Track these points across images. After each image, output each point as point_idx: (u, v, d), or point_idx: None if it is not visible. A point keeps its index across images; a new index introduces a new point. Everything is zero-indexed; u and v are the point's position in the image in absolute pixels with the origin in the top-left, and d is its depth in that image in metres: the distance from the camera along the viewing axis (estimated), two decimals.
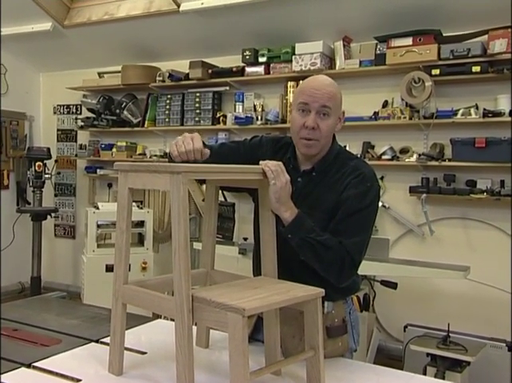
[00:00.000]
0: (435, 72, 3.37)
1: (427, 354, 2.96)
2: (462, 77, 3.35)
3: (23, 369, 1.46)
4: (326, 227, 1.51)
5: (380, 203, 1.68)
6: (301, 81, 3.87)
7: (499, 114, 3.26)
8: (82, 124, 4.95)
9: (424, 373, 2.84)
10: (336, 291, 1.56)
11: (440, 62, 3.37)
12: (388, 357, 3.54)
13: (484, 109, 3.32)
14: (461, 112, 3.39)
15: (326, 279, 1.50)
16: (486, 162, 3.26)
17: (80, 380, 1.39)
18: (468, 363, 2.85)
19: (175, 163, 1.36)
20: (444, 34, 3.39)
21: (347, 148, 1.77)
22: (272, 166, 1.43)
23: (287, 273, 1.50)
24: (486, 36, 3.26)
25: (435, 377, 2.75)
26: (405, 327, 3.36)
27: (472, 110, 3.37)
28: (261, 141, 1.72)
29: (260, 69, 4.00)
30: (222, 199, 3.89)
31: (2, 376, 1.39)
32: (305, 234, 1.45)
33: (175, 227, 1.25)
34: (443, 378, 2.74)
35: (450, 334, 2.96)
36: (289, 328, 1.57)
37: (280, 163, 1.46)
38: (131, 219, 1.43)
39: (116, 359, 1.43)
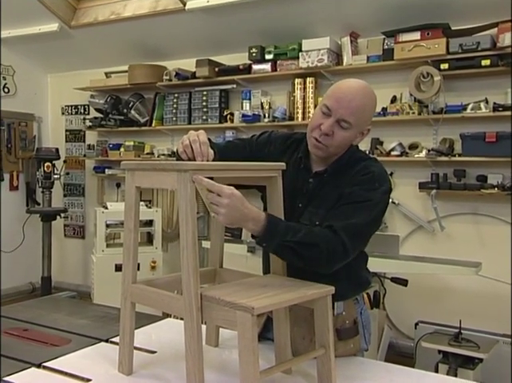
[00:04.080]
0: (444, 66, 3.33)
1: (439, 351, 2.93)
2: (471, 71, 3.31)
3: (33, 369, 1.46)
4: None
5: (390, 200, 1.62)
6: (308, 78, 3.90)
7: (510, 108, 3.21)
8: (90, 124, 4.96)
9: (436, 371, 2.82)
10: (347, 288, 1.53)
11: (449, 56, 3.33)
12: (399, 355, 3.52)
13: (494, 103, 3.28)
14: (470, 106, 3.36)
15: (337, 277, 1.45)
16: (496, 157, 3.22)
17: (90, 380, 1.39)
18: (481, 360, 2.83)
19: (183, 162, 1.35)
20: (453, 28, 3.35)
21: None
22: (211, 199, 1.28)
23: (296, 271, 1.48)
24: (495, 29, 3.22)
25: (447, 374, 2.73)
26: (416, 324, 3.34)
27: (482, 104, 3.33)
28: (269, 138, 1.68)
29: (267, 67, 3.98)
30: None
31: (13, 376, 1.39)
32: (280, 239, 1.32)
33: (182, 226, 1.24)
34: (456, 375, 2.72)
35: (461, 331, 2.94)
36: (299, 329, 1.55)
37: (212, 183, 1.28)
38: (138, 218, 1.42)
39: (126, 358, 1.42)
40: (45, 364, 1.48)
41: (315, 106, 3.86)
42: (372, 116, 1.53)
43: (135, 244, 1.41)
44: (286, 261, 1.42)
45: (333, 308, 1.48)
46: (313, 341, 1.44)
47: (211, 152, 1.39)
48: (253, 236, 1.34)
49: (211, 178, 1.65)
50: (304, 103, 3.91)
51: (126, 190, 1.42)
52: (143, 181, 1.38)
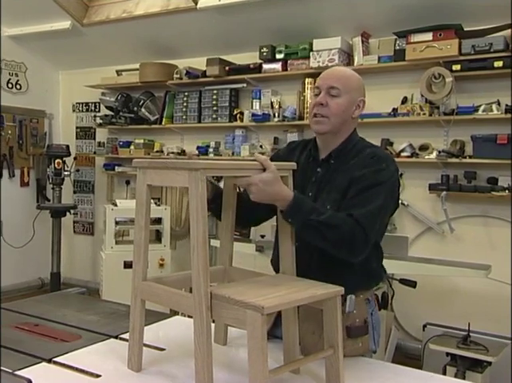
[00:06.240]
0: (456, 67, 3.31)
1: (447, 354, 2.91)
2: (483, 73, 3.28)
3: (44, 363, 1.48)
4: (340, 208, 1.52)
5: (399, 201, 1.66)
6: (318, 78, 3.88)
7: None
8: (100, 121, 4.99)
9: (444, 373, 2.80)
10: (358, 279, 1.57)
11: (461, 57, 3.31)
12: (407, 357, 3.50)
13: (506, 105, 3.26)
14: (482, 108, 3.33)
15: (348, 267, 1.50)
16: (507, 159, 3.19)
17: (99, 375, 1.40)
18: (489, 363, 2.80)
19: (194, 160, 1.36)
20: (465, 29, 3.33)
21: None
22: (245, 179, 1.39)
23: (305, 269, 1.49)
24: (508, 30, 3.20)
25: (455, 376, 2.71)
26: (424, 326, 3.32)
27: (494, 106, 3.31)
28: (277, 153, 1.82)
29: (277, 66, 3.98)
30: None
31: (24, 370, 1.40)
32: (304, 216, 1.41)
33: (193, 224, 1.25)
34: (464, 378, 2.70)
35: (470, 334, 2.92)
36: (309, 324, 1.56)
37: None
38: (149, 216, 1.43)
39: (135, 355, 1.43)
40: (55, 359, 1.49)
41: None
42: (360, 88, 1.63)
43: (145, 242, 1.42)
44: (310, 240, 1.47)
45: (344, 305, 1.52)
46: (321, 336, 1.45)
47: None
48: (281, 211, 1.44)
49: (220, 177, 1.67)
50: None
51: (137, 188, 1.43)
52: (155, 179, 1.39)
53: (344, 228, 1.41)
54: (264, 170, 1.39)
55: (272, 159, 1.69)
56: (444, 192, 3.42)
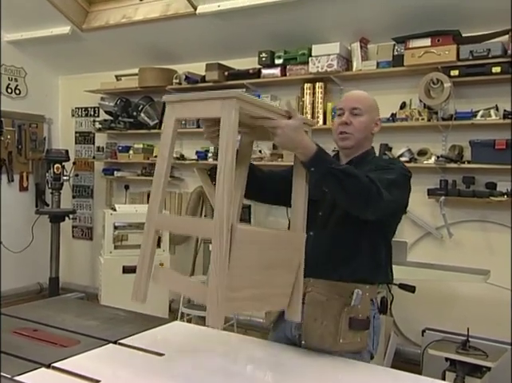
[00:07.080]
0: (454, 73, 3.32)
1: (446, 359, 2.91)
2: (481, 78, 3.29)
3: (43, 369, 1.47)
4: None
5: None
6: (317, 83, 3.91)
7: None
8: (100, 126, 4.99)
9: (443, 378, 2.80)
10: (366, 267, 1.66)
11: (459, 63, 3.32)
12: (406, 362, 3.49)
13: (504, 110, 3.27)
14: (480, 113, 3.34)
15: (356, 259, 1.62)
16: (506, 164, 3.20)
17: (98, 381, 1.40)
18: (489, 368, 2.80)
19: (228, 90, 1.42)
20: (463, 35, 3.34)
21: None
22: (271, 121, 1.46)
23: (316, 255, 1.59)
24: (506, 36, 3.21)
25: (455, 382, 2.72)
26: (423, 331, 3.32)
27: (492, 111, 3.32)
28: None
29: (276, 71, 3.99)
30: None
31: (23, 376, 1.40)
32: (327, 165, 1.50)
33: (222, 150, 1.27)
34: None
35: (469, 339, 2.92)
36: (313, 311, 1.64)
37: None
38: (173, 150, 1.46)
39: (143, 282, 1.43)
40: (54, 364, 1.49)
41: (324, 111, 3.88)
42: (377, 108, 1.83)
43: (167, 173, 1.43)
44: (329, 190, 1.56)
45: (351, 298, 1.61)
46: (323, 324, 1.56)
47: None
48: (302, 163, 1.52)
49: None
50: (313, 108, 3.92)
51: (164, 122, 1.48)
52: (185, 112, 1.44)
53: (362, 180, 1.50)
54: (289, 118, 1.47)
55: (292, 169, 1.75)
56: (443, 197, 3.43)
